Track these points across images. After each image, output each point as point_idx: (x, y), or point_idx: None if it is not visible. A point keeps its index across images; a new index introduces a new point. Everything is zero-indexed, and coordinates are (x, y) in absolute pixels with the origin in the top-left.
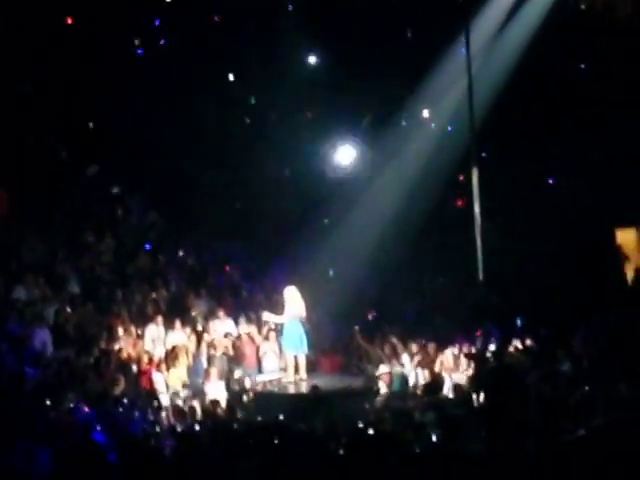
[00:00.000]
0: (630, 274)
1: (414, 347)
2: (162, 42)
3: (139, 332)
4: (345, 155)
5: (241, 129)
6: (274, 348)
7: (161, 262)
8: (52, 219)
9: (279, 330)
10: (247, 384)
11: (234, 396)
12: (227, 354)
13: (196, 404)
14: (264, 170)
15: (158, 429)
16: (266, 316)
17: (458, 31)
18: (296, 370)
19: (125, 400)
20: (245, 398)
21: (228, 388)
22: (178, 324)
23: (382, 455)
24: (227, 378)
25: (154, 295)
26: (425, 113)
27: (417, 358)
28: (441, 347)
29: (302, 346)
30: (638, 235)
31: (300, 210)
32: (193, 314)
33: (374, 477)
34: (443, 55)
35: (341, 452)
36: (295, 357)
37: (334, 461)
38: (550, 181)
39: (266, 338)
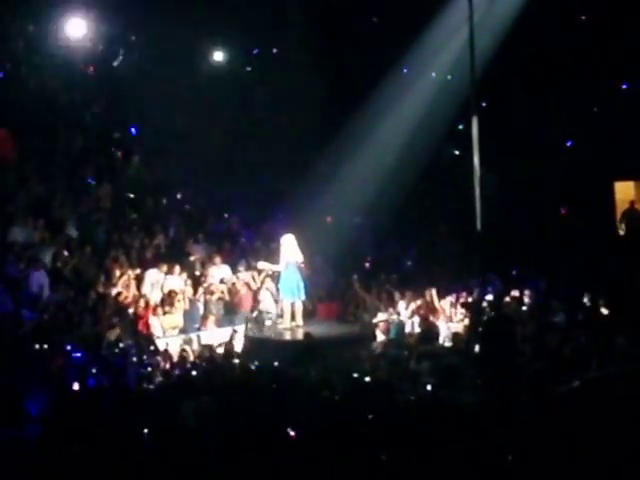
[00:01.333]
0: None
1: (411, 295)
2: None
3: (137, 276)
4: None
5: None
6: (271, 295)
7: (160, 208)
8: (51, 162)
9: (276, 277)
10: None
11: (230, 341)
12: (223, 300)
13: (190, 349)
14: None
15: (153, 373)
16: (261, 265)
17: None
18: (293, 317)
19: (121, 344)
20: (241, 344)
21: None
22: (176, 269)
23: (376, 403)
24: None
25: (153, 240)
26: None
27: (413, 306)
28: (438, 296)
29: (299, 293)
30: (636, 187)
31: (300, 158)
32: (191, 259)
33: (368, 425)
34: (445, 4)
35: (335, 399)
36: (292, 304)
37: (328, 408)
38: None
39: (262, 284)
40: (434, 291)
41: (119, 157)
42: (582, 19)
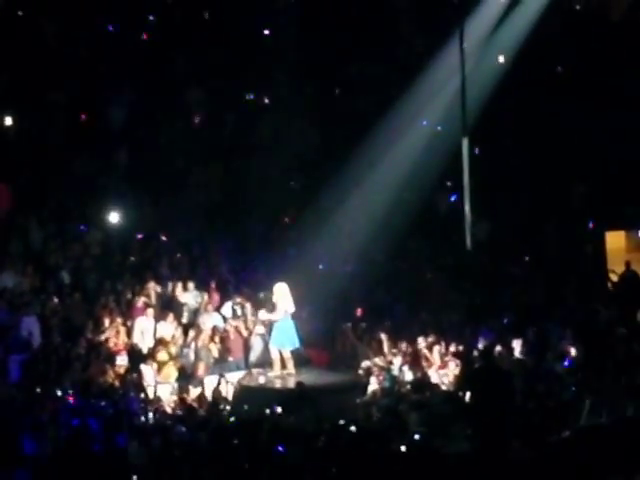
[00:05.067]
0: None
1: (402, 345)
2: None
3: (128, 324)
4: None
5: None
6: (262, 341)
7: (150, 255)
8: (44, 209)
9: (268, 325)
10: (234, 378)
11: (220, 391)
12: (214, 346)
13: (183, 398)
14: (254, 165)
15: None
16: (262, 315)
17: (451, 31)
18: (283, 365)
19: (112, 392)
20: (232, 392)
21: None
22: (168, 317)
23: (366, 453)
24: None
25: (143, 287)
26: None
27: (405, 355)
28: (429, 345)
29: (292, 342)
30: (627, 238)
31: (291, 207)
32: (181, 307)
33: (357, 474)
34: (437, 55)
35: (325, 448)
36: (280, 352)
37: (318, 457)
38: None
39: (253, 331)
40: (424, 340)
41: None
42: (571, 69)
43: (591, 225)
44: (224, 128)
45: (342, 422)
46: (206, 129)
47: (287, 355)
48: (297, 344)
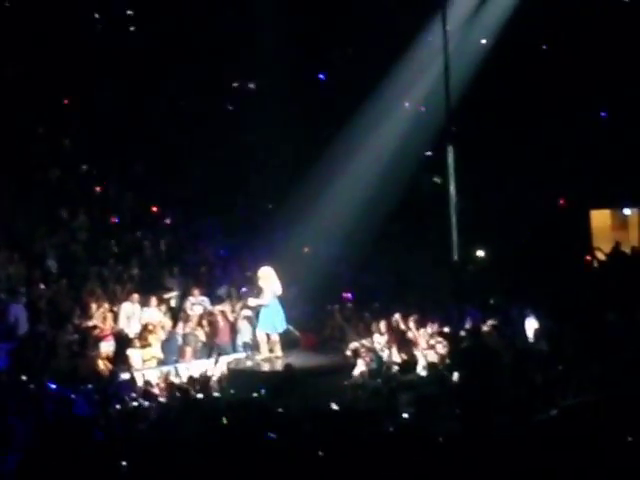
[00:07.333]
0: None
1: (388, 325)
2: None
3: (114, 309)
4: None
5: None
6: (249, 324)
7: (136, 240)
8: (30, 195)
9: (255, 308)
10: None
11: (208, 374)
12: (202, 331)
13: (170, 381)
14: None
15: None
16: (251, 301)
17: (433, 14)
18: (271, 348)
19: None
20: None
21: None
22: (153, 301)
23: (355, 435)
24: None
25: (129, 273)
26: None
27: (391, 337)
28: (416, 325)
29: (279, 325)
30: (612, 216)
31: (276, 190)
32: (169, 291)
33: (347, 457)
34: (419, 37)
35: (314, 431)
36: (267, 335)
37: (307, 440)
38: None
39: (240, 314)
40: (412, 320)
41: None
42: (557, 48)
43: (570, 203)
44: (208, 115)
45: (330, 404)
46: (192, 116)
47: (275, 338)
48: (285, 327)
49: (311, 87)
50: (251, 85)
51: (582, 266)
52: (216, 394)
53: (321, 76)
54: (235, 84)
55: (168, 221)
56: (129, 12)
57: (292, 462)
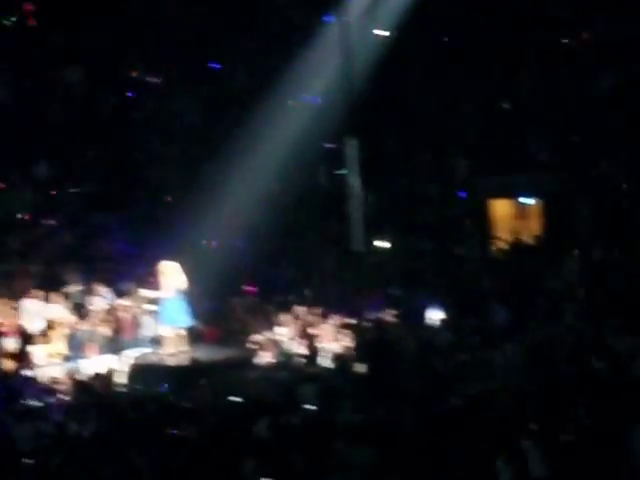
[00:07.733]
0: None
1: (292, 317)
2: None
3: (15, 306)
4: None
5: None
6: (152, 319)
7: (36, 235)
8: None
9: (158, 302)
10: (126, 357)
11: (112, 370)
12: (105, 326)
13: (74, 378)
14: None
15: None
16: (144, 292)
17: (334, 5)
18: (176, 343)
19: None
20: (124, 371)
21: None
22: (56, 298)
23: (260, 428)
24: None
25: (29, 269)
26: None
27: (295, 329)
28: (319, 317)
29: (182, 320)
30: (513, 207)
31: (176, 184)
32: (71, 287)
33: (252, 450)
34: (318, 30)
35: (219, 425)
36: (172, 330)
37: (214, 434)
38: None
39: (143, 309)
40: (315, 312)
41: None
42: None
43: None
44: (105, 107)
45: (235, 398)
46: (87, 108)
47: (180, 333)
48: (189, 322)
49: (209, 81)
50: (147, 78)
51: (484, 256)
52: (121, 389)
53: (215, 65)
54: (133, 74)
55: (68, 217)
56: None
57: (198, 456)
